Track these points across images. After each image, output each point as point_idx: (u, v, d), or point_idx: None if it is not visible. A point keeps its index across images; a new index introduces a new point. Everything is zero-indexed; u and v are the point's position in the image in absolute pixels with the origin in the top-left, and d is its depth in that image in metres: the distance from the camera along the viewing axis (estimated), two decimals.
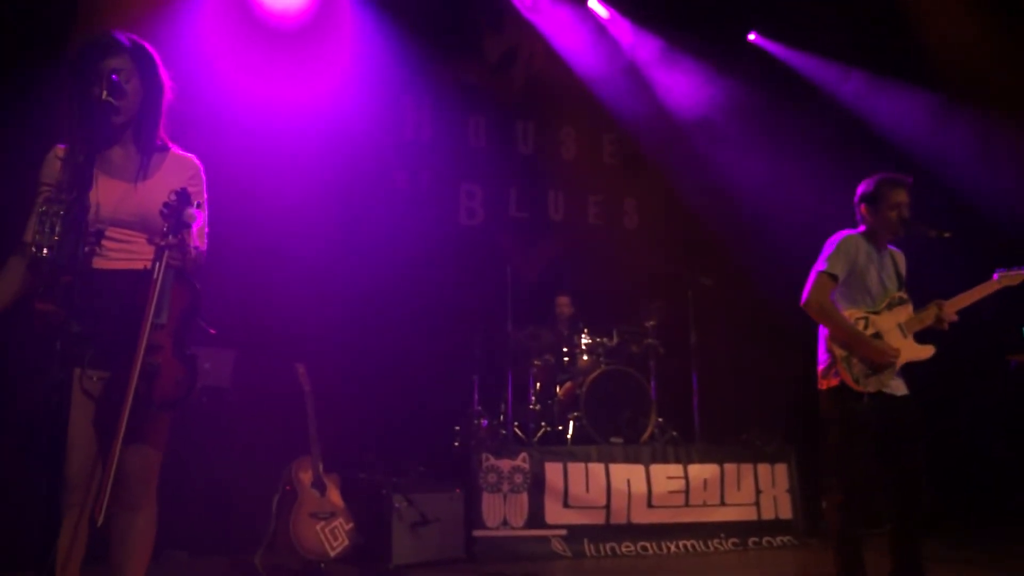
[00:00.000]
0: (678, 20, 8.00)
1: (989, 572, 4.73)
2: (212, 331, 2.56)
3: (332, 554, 4.42)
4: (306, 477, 4.52)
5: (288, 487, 4.50)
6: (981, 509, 7.32)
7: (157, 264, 2.29)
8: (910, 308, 3.64)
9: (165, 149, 2.63)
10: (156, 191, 2.48)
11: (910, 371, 3.65)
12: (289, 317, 6.08)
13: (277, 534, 4.45)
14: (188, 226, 2.37)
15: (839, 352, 3.51)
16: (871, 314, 3.57)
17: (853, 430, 3.46)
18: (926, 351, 3.59)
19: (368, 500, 5.08)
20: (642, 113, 8.08)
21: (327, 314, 6.45)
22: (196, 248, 2.49)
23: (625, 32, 8.07)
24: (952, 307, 3.59)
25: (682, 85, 8.22)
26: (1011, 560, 5.06)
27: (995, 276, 3.67)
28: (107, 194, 2.45)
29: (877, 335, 3.52)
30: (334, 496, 4.57)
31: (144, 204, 2.49)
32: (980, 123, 7.36)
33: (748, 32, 8.35)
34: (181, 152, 2.68)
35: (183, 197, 2.31)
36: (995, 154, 7.35)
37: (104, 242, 2.43)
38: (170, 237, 2.30)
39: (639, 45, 8.13)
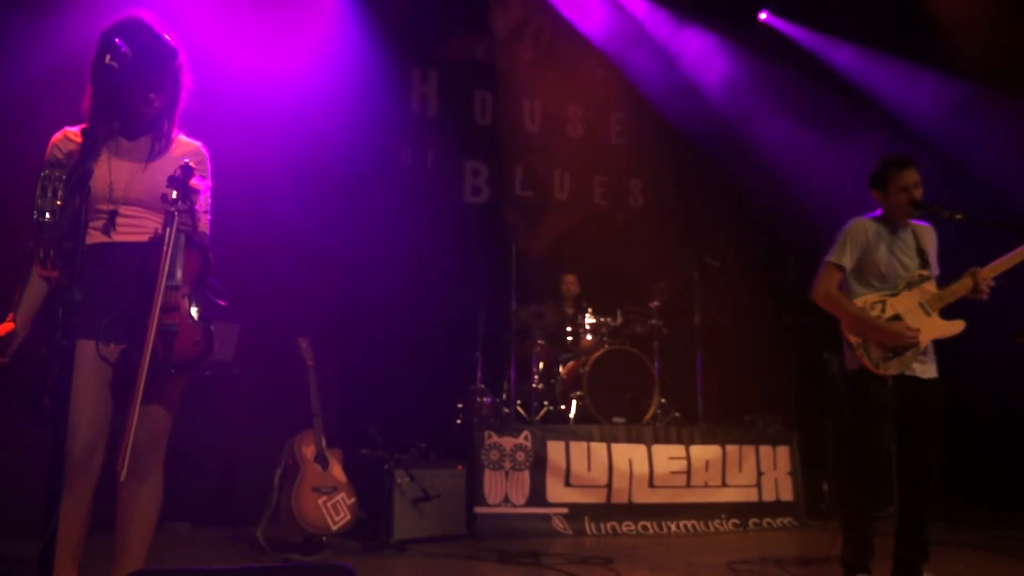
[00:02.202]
0: None
1: (990, 555, 4.73)
2: (222, 303, 2.56)
3: (334, 528, 4.43)
4: (309, 451, 4.53)
5: (291, 461, 4.51)
6: (984, 492, 7.32)
7: (168, 229, 2.31)
8: (933, 285, 3.58)
9: (173, 134, 2.67)
10: (164, 171, 2.50)
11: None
12: (293, 292, 6.07)
13: (279, 508, 4.47)
14: (197, 192, 2.40)
15: (855, 339, 3.49)
16: (889, 296, 3.53)
17: (871, 414, 3.45)
18: (955, 327, 3.54)
19: (370, 475, 5.08)
20: (650, 93, 8.01)
21: (331, 289, 6.45)
22: (202, 225, 2.52)
23: (635, 10, 7.98)
24: (989, 273, 3.49)
25: (692, 65, 8.15)
26: (1012, 543, 5.07)
27: None
28: (119, 174, 2.50)
29: (896, 317, 3.49)
30: (336, 471, 4.58)
31: (154, 184, 2.51)
32: (993, 104, 7.29)
33: (760, 11, 8.26)
34: (187, 138, 2.72)
35: (188, 169, 2.35)
36: (1009, 135, 7.27)
37: (117, 219, 2.50)
38: (180, 203, 2.31)
39: (649, 23, 8.04)
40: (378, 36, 6.85)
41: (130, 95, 2.46)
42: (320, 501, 4.43)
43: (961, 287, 3.52)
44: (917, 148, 6.58)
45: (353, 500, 4.55)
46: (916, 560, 3.44)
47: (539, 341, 6.48)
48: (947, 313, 3.57)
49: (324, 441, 4.57)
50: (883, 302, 3.52)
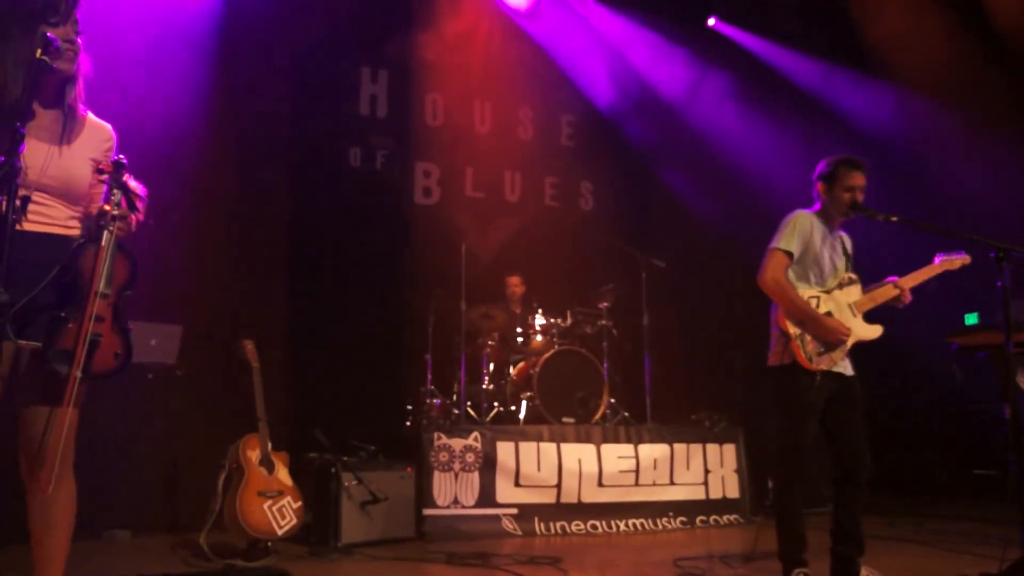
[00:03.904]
0: (641, 3, 8.01)
1: (923, 548, 4.87)
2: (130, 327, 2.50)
3: (280, 532, 4.38)
4: (254, 455, 4.46)
5: (235, 465, 4.44)
6: (918, 487, 7.57)
7: (106, 233, 2.24)
8: (859, 289, 3.69)
9: (82, 114, 2.57)
10: (78, 157, 2.45)
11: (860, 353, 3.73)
12: (238, 293, 5.98)
13: (223, 512, 4.39)
14: (140, 196, 2.35)
15: (793, 330, 3.53)
16: (823, 293, 3.62)
17: (803, 408, 3.51)
18: (875, 331, 3.66)
19: (317, 478, 5.04)
20: (600, 96, 8.08)
21: (278, 291, 6.37)
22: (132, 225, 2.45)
23: (586, 13, 8.04)
24: (907, 283, 3.65)
25: (641, 68, 8.24)
26: (946, 536, 5.22)
27: (936, 260, 3.75)
28: (33, 156, 2.39)
29: (829, 314, 3.57)
30: (282, 474, 4.52)
31: (67, 169, 2.43)
32: (928, 110, 7.55)
33: (708, 17, 8.41)
34: (96, 119, 2.62)
35: (120, 166, 2.28)
36: (943, 140, 7.52)
37: (29, 205, 2.37)
38: (118, 207, 2.25)
39: (600, 27, 8.11)
40: (326, 35, 6.79)
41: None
42: (265, 505, 4.37)
43: (883, 294, 3.65)
44: (861, 151, 6.75)
45: (299, 504, 4.50)
46: (852, 554, 3.52)
47: (489, 342, 6.49)
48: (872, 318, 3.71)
49: (269, 444, 4.51)
50: (817, 298, 3.60)
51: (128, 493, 5.34)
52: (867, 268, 3.83)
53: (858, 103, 7.95)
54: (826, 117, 7.99)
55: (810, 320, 3.52)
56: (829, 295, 3.62)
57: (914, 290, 3.72)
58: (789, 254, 3.57)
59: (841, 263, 3.70)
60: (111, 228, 2.27)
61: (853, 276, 3.70)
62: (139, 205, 2.33)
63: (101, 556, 4.60)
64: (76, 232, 2.48)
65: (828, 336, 3.51)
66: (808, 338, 3.52)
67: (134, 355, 5.27)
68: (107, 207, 2.30)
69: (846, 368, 3.62)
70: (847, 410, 3.57)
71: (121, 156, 2.37)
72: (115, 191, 2.25)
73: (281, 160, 6.56)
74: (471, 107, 7.85)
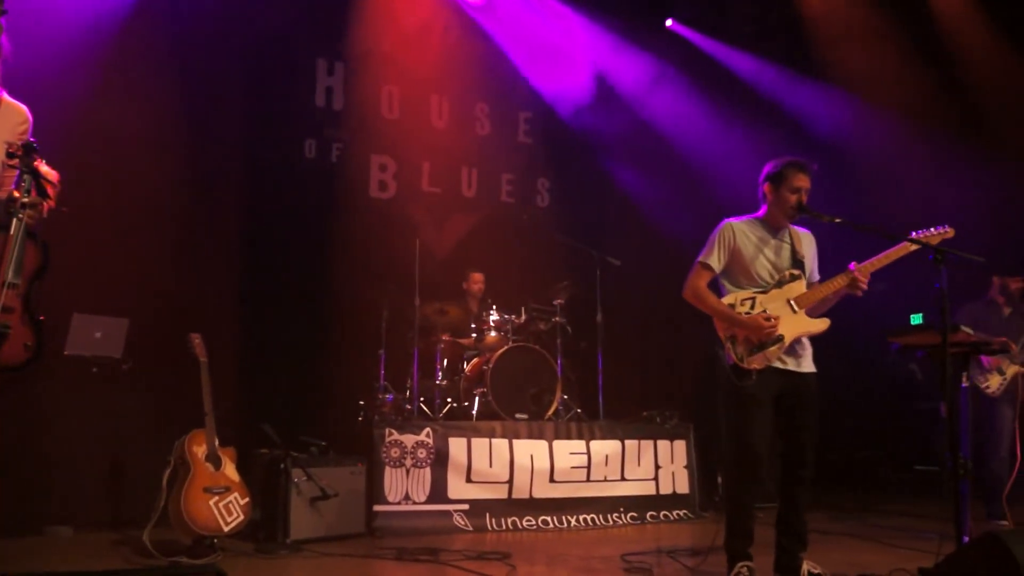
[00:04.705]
0: (601, 1, 8.06)
1: (865, 543, 4.99)
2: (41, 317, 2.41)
3: (226, 529, 4.31)
4: (200, 450, 4.39)
5: (180, 460, 4.36)
6: (863, 483, 7.75)
7: (15, 220, 2.15)
8: (802, 284, 3.73)
9: None
10: None
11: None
12: (188, 286, 5.88)
13: (168, 509, 4.31)
14: (52, 182, 2.27)
15: (723, 333, 3.65)
16: (759, 294, 3.68)
17: (743, 405, 3.58)
18: (819, 324, 3.69)
19: (266, 474, 4.98)
20: (556, 93, 8.11)
21: (228, 284, 6.27)
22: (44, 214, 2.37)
23: (544, 9, 8.06)
24: (867, 269, 3.62)
25: (601, 66, 8.29)
26: (886, 531, 5.36)
27: (902, 243, 3.63)
28: None
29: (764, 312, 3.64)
30: (229, 470, 4.45)
31: None
32: (873, 115, 7.75)
33: (666, 18, 8.49)
34: (12, 100, 2.53)
35: (31, 149, 2.18)
36: (889, 145, 7.72)
37: None
38: (28, 194, 2.17)
39: (557, 24, 8.13)
40: (281, 26, 6.69)
41: None
42: (211, 502, 4.30)
43: (829, 286, 3.67)
44: (812, 153, 6.89)
45: (247, 500, 4.44)
46: (795, 548, 3.60)
47: (443, 338, 6.47)
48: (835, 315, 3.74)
49: (217, 440, 4.44)
50: (753, 299, 3.67)
51: (70, 488, 5.24)
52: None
53: (809, 106, 8.11)
54: (779, 119, 8.13)
55: (729, 321, 3.62)
56: (767, 294, 3.68)
57: (871, 294, 3.74)
58: (708, 266, 3.72)
59: (785, 262, 3.74)
60: (20, 215, 2.18)
61: (796, 272, 3.73)
62: (50, 191, 2.24)
63: (42, 552, 4.50)
64: None
65: (751, 333, 3.58)
66: (738, 339, 3.60)
67: (77, 348, 5.19)
68: (16, 193, 2.21)
69: (798, 365, 3.67)
70: (797, 408, 3.64)
71: (32, 139, 2.27)
72: (25, 176, 2.15)
73: (234, 151, 6.45)
74: (428, 101, 7.81)
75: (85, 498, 5.25)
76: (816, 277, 3.84)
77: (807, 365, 3.70)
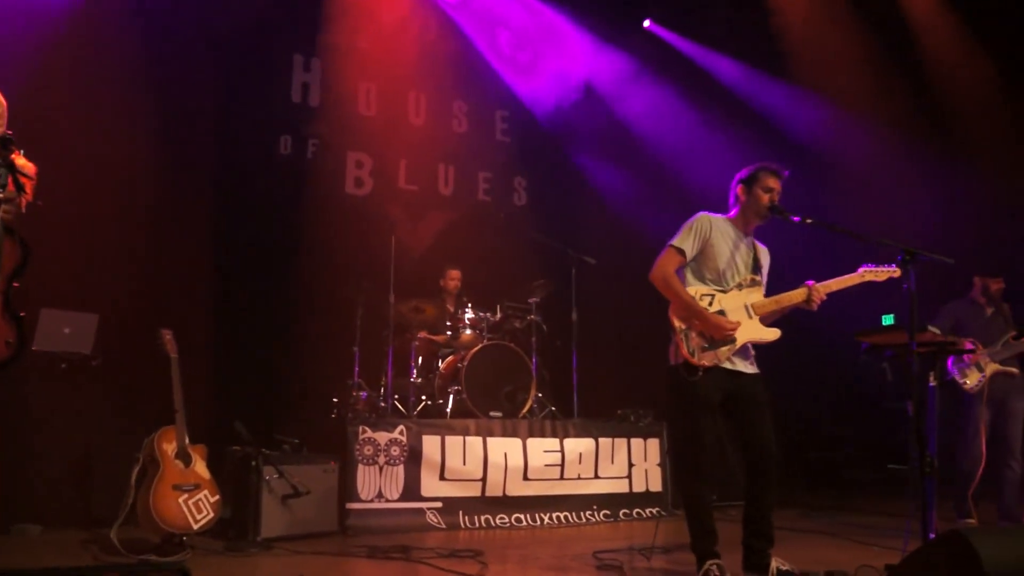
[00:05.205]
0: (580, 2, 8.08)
1: (833, 540, 5.05)
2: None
3: (196, 527, 4.28)
4: (170, 448, 4.35)
5: (149, 457, 4.32)
6: (831, 482, 7.85)
7: None
8: (760, 292, 3.78)
9: None
10: None
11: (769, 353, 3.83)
12: (160, 282, 5.83)
13: (137, 507, 4.27)
14: (29, 176, 2.23)
15: (678, 325, 3.63)
16: (719, 292, 3.71)
17: (693, 403, 3.61)
18: (771, 333, 3.73)
19: (237, 472, 4.95)
20: (532, 93, 8.12)
21: (201, 280, 6.22)
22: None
23: (522, 8, 8.06)
24: (823, 289, 3.71)
25: (578, 65, 8.31)
26: (854, 528, 5.43)
27: (860, 269, 3.80)
28: None
29: (721, 313, 3.66)
30: (199, 467, 4.41)
31: None
32: (841, 117, 7.85)
33: (644, 18, 8.53)
34: None
35: (7, 141, 2.14)
36: (859, 147, 7.81)
37: None
38: (5, 188, 2.13)
39: (535, 23, 8.13)
40: (257, 20, 6.64)
41: None
42: (181, 499, 4.26)
43: (788, 298, 3.72)
44: (785, 153, 6.97)
45: (217, 498, 4.40)
46: (762, 546, 3.63)
47: (418, 335, 6.46)
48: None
49: (187, 437, 4.40)
50: (712, 296, 3.69)
51: (39, 486, 5.16)
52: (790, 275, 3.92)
53: (783, 108, 8.18)
54: (754, 121, 8.19)
55: (695, 315, 3.61)
56: (726, 295, 3.71)
57: (844, 294, 3.80)
58: (681, 251, 3.69)
59: (748, 267, 3.78)
60: None
61: (756, 278, 3.78)
62: (27, 185, 2.20)
63: (9, 550, 4.44)
64: None
65: (713, 332, 3.59)
66: (692, 334, 3.61)
67: (46, 343, 5.12)
68: None
69: (745, 367, 3.71)
70: (750, 407, 3.67)
71: (8, 132, 2.24)
72: (0, 170, 2.13)
73: (208, 146, 6.41)
74: (406, 98, 7.79)
75: (53, 496, 5.17)
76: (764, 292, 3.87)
77: (753, 367, 3.75)
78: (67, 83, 5.46)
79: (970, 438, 5.55)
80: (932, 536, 3.28)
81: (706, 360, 3.58)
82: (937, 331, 4.17)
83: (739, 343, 3.64)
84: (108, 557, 4.21)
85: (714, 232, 3.73)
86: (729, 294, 3.71)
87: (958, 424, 5.61)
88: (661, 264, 3.70)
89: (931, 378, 4.63)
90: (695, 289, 3.69)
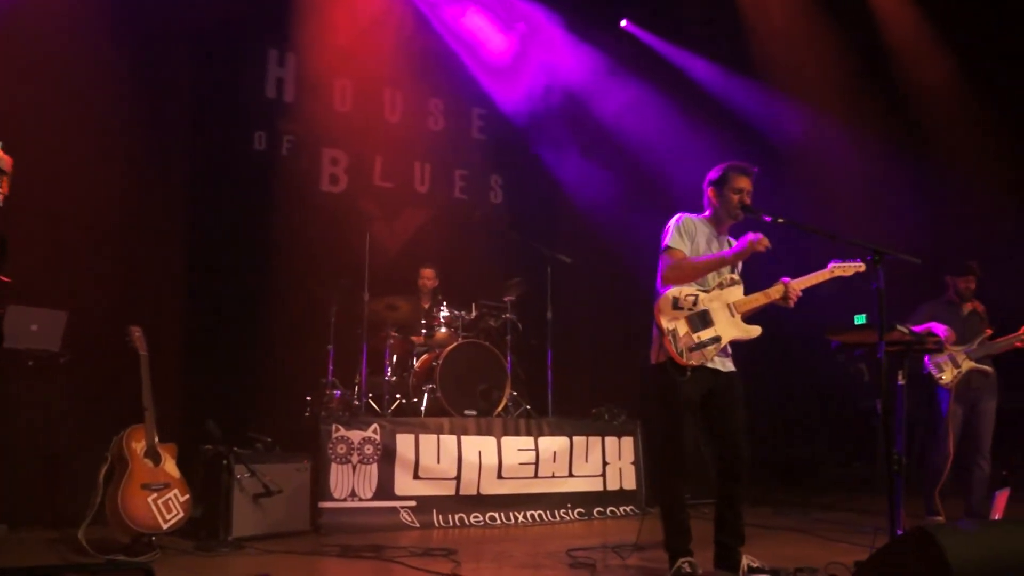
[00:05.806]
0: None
1: (804, 536, 5.10)
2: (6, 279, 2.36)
3: (165, 527, 4.23)
4: (139, 446, 4.29)
5: (117, 456, 4.26)
6: (808, 479, 7.92)
7: None
8: (740, 290, 3.81)
9: None
10: None
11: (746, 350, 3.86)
12: (130, 278, 5.75)
13: (105, 506, 4.21)
14: (4, 170, 2.20)
15: (666, 326, 3.64)
16: (701, 291, 3.73)
17: (678, 403, 3.62)
18: (753, 330, 3.77)
19: (208, 471, 4.89)
20: (508, 91, 8.11)
21: (172, 277, 6.15)
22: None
23: (498, 7, 8.05)
24: (798, 285, 3.76)
25: (555, 63, 8.31)
26: (825, 524, 5.48)
27: (829, 266, 3.86)
28: None
29: (705, 312, 3.68)
30: (169, 466, 4.37)
31: None
32: (813, 118, 7.94)
33: (621, 18, 8.56)
34: None
35: None
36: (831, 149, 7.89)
37: None
38: None
39: (512, 21, 8.13)
40: (230, 14, 6.56)
41: None
42: (150, 499, 4.21)
43: (766, 295, 3.76)
44: (760, 154, 7.02)
45: (187, 497, 4.36)
46: (733, 543, 3.66)
47: (393, 333, 6.43)
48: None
49: (156, 435, 4.35)
50: (696, 296, 3.71)
51: (5, 485, 5.07)
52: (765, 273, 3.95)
53: (757, 109, 8.25)
54: (730, 121, 8.25)
55: (712, 265, 3.66)
56: (708, 294, 3.74)
57: (816, 294, 3.84)
58: (679, 250, 3.72)
59: (726, 267, 3.80)
60: None
61: (735, 277, 3.82)
62: (3, 180, 2.18)
63: None
64: None
65: (748, 252, 3.58)
66: (680, 334, 3.63)
67: (12, 341, 5.03)
68: None
69: (723, 365, 3.74)
70: (726, 406, 3.70)
71: None
72: None
73: (180, 141, 6.33)
74: (381, 95, 7.75)
75: (20, 495, 5.09)
76: None
77: (731, 366, 3.79)
78: (37, 76, 5.37)
79: (940, 436, 5.61)
80: (900, 532, 3.32)
81: (694, 359, 3.61)
82: (906, 330, 4.21)
83: (724, 342, 3.67)
84: (75, 557, 4.15)
85: (696, 231, 3.78)
86: (711, 293, 3.73)
87: (930, 421, 5.67)
88: (665, 268, 3.72)
89: (900, 376, 4.67)
90: (679, 289, 3.70)
